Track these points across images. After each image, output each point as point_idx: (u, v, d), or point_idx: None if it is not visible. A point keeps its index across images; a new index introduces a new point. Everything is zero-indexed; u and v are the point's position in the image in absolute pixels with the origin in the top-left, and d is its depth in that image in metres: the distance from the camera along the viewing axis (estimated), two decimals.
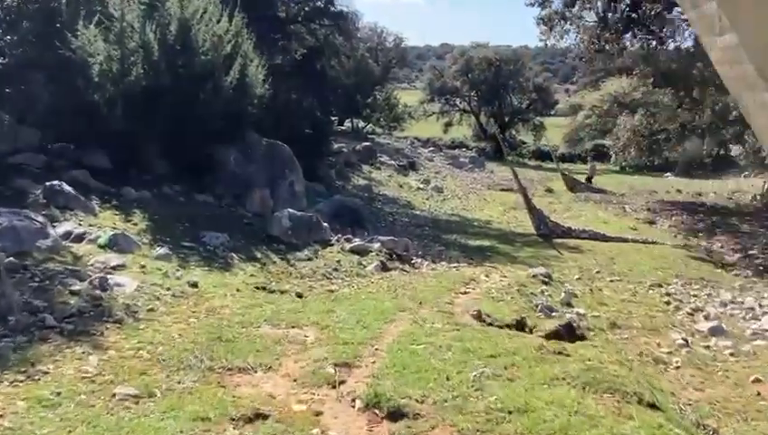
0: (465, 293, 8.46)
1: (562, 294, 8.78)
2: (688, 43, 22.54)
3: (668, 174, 42.89)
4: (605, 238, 16.37)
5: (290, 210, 10.22)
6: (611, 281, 11.22)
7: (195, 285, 6.85)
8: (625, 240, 16.26)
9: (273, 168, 12.79)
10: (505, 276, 10.37)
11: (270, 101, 18.61)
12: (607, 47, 21.79)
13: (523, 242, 15.87)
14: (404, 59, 57.14)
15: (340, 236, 11.18)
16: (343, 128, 44.01)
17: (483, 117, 58.36)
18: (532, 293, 8.74)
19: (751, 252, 15.50)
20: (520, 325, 6.65)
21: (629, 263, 13.25)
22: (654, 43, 23.67)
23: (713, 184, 34.56)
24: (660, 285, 10.86)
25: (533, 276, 9.72)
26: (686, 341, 7.25)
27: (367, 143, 31.47)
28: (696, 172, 43.31)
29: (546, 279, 9.65)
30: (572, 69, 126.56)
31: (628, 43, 22.13)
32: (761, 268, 13.88)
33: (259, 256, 8.92)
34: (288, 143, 18.00)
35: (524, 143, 58.93)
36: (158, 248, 7.90)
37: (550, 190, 29.06)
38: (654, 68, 26.74)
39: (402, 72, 68.89)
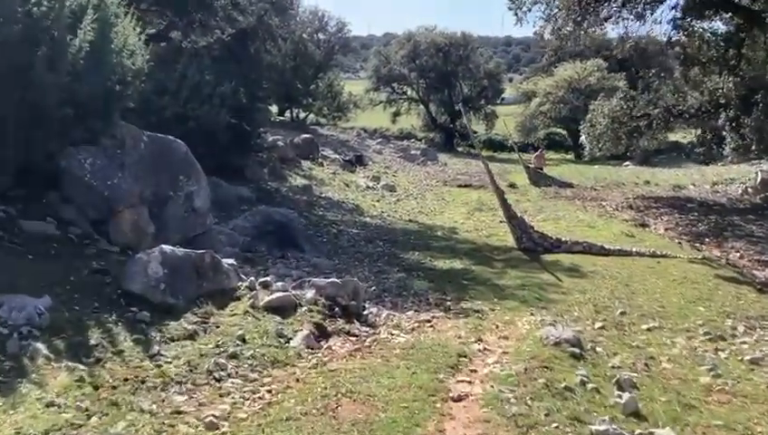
0: (460, 399, 4.83)
1: (620, 397, 5.17)
2: (670, 16, 19.47)
3: (628, 163, 40.86)
4: (603, 252, 13.04)
5: (164, 248, 6.35)
6: (649, 330, 7.79)
7: None
8: (628, 253, 12.96)
9: (159, 175, 8.86)
10: (506, 338, 6.81)
11: (174, 84, 14.76)
12: (585, 21, 18.49)
13: (505, 260, 12.37)
14: (347, 45, 52.92)
15: (254, 278, 7.37)
16: (283, 118, 39.98)
17: (432, 106, 55.00)
18: (567, 388, 5.17)
19: None
20: None
21: (653, 293, 9.90)
22: (631, 18, 20.50)
23: (677, 174, 32.23)
24: (723, 338, 7.50)
25: (555, 344, 6.15)
26: None
27: (307, 135, 27.56)
28: (653, 161, 41.40)
29: (575, 349, 6.10)
30: (515, 58, 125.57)
31: (605, 12, 18.84)
32: None
33: (94, 341, 5.06)
34: (200, 137, 14.09)
35: (476, 133, 56.05)
36: None
37: (513, 185, 25.78)
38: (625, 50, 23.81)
39: (346, 58, 64.78)
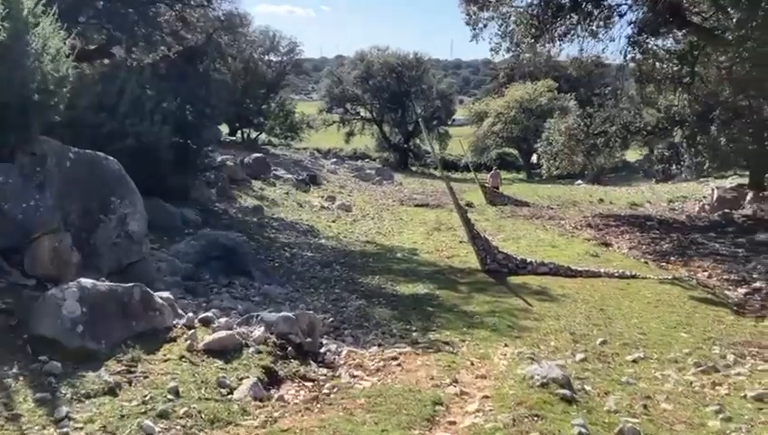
0: None
1: None
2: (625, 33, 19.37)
3: (580, 181, 41.22)
4: (571, 273, 12.45)
5: (83, 282, 5.37)
6: (635, 362, 7.11)
7: None
8: (597, 274, 12.40)
9: (87, 196, 7.83)
10: (484, 377, 6.01)
11: (112, 99, 13.69)
12: (542, 38, 18.14)
13: (470, 284, 11.63)
14: (299, 65, 51.98)
15: (192, 314, 6.40)
16: (234, 138, 38.84)
17: (386, 126, 54.65)
18: None
19: (755, 285, 12.03)
20: None
21: (630, 318, 9.29)
22: (585, 35, 20.31)
23: (629, 192, 32.41)
24: (715, 369, 6.85)
25: (543, 386, 5.38)
26: None
27: (258, 154, 26.56)
28: (604, 179, 41.87)
29: (566, 391, 5.34)
30: (464, 81, 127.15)
31: (562, 29, 18.55)
32: None
33: None
34: (140, 155, 13.02)
35: (428, 153, 55.99)
36: None
37: (470, 205, 25.16)
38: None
39: (299, 79, 63.84)
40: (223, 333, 5.74)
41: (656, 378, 6.56)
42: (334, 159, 39.91)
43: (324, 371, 6.01)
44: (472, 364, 6.46)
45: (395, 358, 6.50)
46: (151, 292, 5.87)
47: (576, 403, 5.24)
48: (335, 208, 21.98)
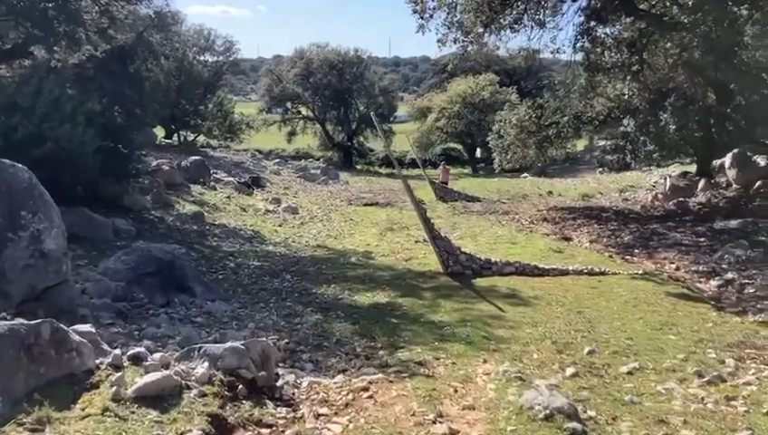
0: None
1: None
2: (579, 19, 18.88)
3: (526, 174, 41.16)
4: (538, 272, 11.78)
5: None
6: (631, 374, 6.38)
7: None
8: (565, 272, 11.76)
9: None
10: (473, 408, 5.14)
11: (27, 100, 12.28)
12: (492, 25, 17.47)
13: (434, 289, 10.78)
14: (237, 65, 50.16)
15: (120, 350, 5.30)
16: (170, 141, 37.03)
17: (329, 124, 53.49)
18: None
19: (727, 276, 11.59)
20: None
21: (611, 320, 8.61)
22: (532, 25, 19.79)
23: (575, 183, 32.46)
24: (722, 379, 6.19)
25: (547, 418, 4.54)
26: None
27: (197, 157, 25.13)
28: (548, 171, 41.96)
29: (575, 425, 4.52)
30: (404, 78, 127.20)
31: (510, 18, 17.93)
32: None
33: None
34: (62, 161, 11.74)
35: (372, 151, 55.28)
36: None
37: (421, 202, 24.46)
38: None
39: (236, 79, 61.77)
40: (158, 375, 4.67)
41: (660, 393, 5.82)
42: (277, 160, 38.57)
43: (283, 411, 5.01)
44: (455, 391, 5.58)
45: (365, 388, 5.55)
46: (65, 328, 4.74)
47: None
48: (281, 211, 20.85)
